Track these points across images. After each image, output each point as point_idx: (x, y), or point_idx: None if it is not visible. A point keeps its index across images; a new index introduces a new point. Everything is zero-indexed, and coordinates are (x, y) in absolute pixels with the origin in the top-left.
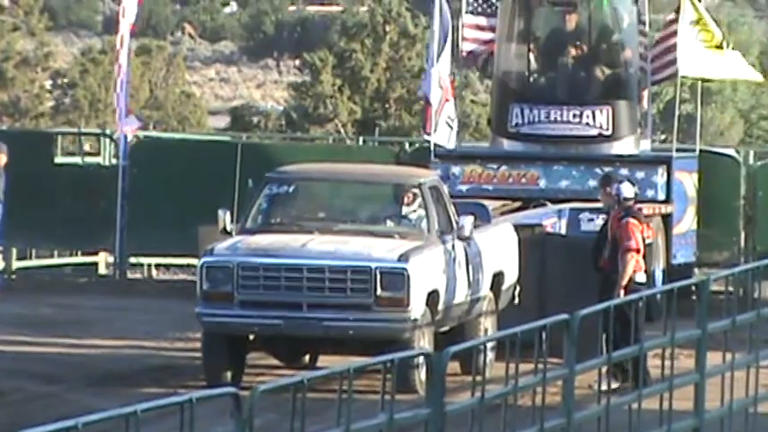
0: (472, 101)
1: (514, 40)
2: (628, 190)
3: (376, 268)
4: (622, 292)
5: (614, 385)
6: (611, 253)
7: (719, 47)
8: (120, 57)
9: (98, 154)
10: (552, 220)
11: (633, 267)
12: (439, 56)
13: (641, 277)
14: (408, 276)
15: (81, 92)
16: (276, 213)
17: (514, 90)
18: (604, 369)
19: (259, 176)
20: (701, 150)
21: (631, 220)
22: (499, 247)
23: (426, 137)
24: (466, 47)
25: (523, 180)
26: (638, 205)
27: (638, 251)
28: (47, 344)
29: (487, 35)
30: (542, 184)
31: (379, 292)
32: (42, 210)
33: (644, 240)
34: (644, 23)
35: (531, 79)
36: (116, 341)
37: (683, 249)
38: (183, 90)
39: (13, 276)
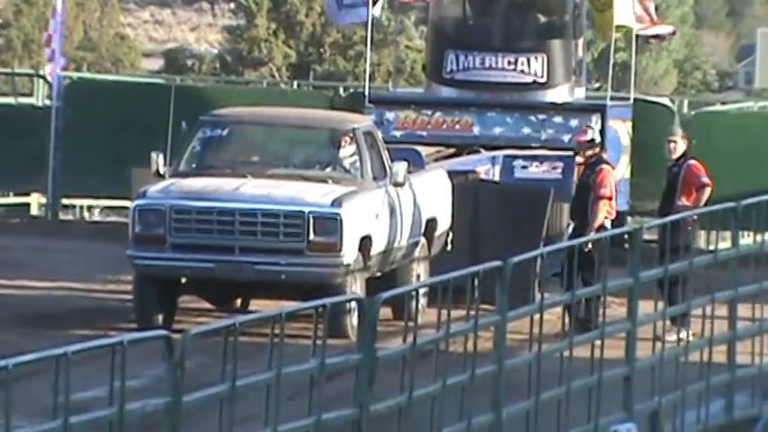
0: (407, 46)
1: None
2: (597, 135)
3: (309, 213)
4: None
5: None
6: (581, 198)
7: None
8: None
9: (31, 95)
10: (486, 167)
11: (604, 215)
12: None
13: (608, 224)
14: (341, 221)
15: (14, 32)
16: (209, 157)
17: (450, 36)
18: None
19: (193, 119)
20: (635, 99)
21: (605, 167)
22: (432, 194)
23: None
24: None
25: (457, 126)
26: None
27: (609, 198)
28: None
29: None
30: (476, 130)
31: (311, 236)
32: None
33: (616, 185)
34: None
35: (467, 25)
36: (47, 282)
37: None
38: (117, 32)
39: None
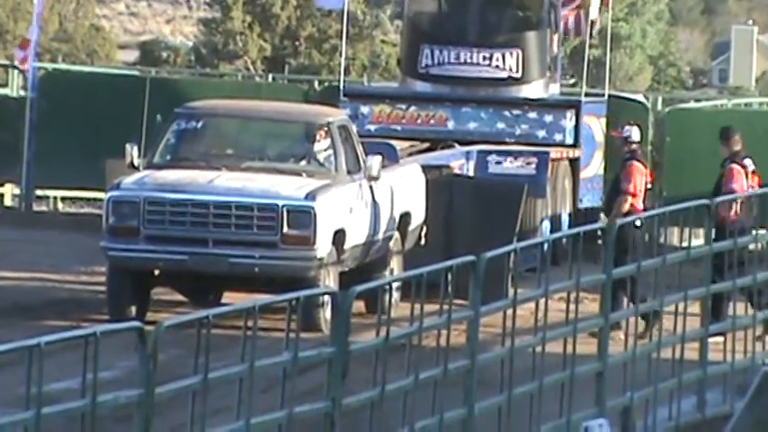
0: (382, 41)
1: None
2: (636, 134)
3: (283, 206)
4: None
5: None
6: (610, 192)
7: None
8: None
9: (6, 85)
10: (460, 162)
11: (626, 209)
12: None
13: (638, 221)
14: (315, 215)
15: None
16: (184, 149)
17: (425, 31)
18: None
19: (167, 112)
20: (609, 95)
21: (635, 163)
22: (407, 188)
23: None
24: None
25: (432, 121)
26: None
27: (634, 195)
28: None
29: None
30: (451, 125)
31: (285, 229)
32: None
33: (646, 185)
34: None
35: (442, 20)
36: (20, 273)
37: (590, 194)
38: (92, 23)
39: None
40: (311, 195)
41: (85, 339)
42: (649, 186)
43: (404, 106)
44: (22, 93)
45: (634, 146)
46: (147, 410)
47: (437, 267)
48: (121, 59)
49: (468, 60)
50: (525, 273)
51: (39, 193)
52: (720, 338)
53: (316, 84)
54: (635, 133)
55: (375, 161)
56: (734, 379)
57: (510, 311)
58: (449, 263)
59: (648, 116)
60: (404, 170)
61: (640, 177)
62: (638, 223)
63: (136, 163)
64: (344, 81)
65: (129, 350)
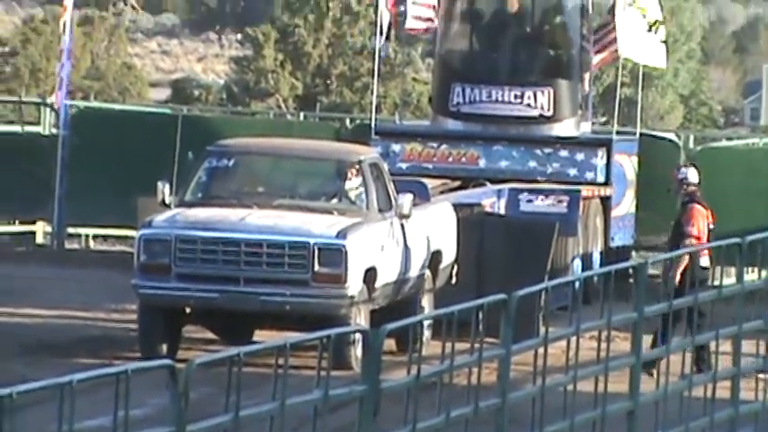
0: (414, 79)
1: (457, 19)
2: (693, 175)
3: (314, 244)
4: (678, 276)
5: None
6: (672, 237)
7: (652, 26)
8: (65, 27)
9: (38, 123)
10: (491, 200)
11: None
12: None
13: (705, 261)
14: (346, 253)
15: (22, 60)
16: (215, 187)
17: (456, 69)
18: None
19: (199, 149)
20: (641, 134)
21: (696, 206)
22: (438, 226)
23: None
24: (409, 24)
25: (463, 159)
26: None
27: (698, 238)
28: None
29: (429, 12)
30: (482, 163)
31: (316, 267)
32: None
33: (708, 226)
34: (587, 5)
35: (473, 58)
36: (52, 311)
37: (622, 232)
38: (124, 61)
39: None
40: (342, 233)
41: (117, 377)
42: (711, 227)
43: (435, 144)
44: (54, 130)
45: (692, 188)
46: None
47: (468, 306)
48: (153, 97)
49: (500, 99)
50: (556, 311)
51: (70, 230)
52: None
53: (347, 122)
54: (692, 174)
55: (406, 199)
56: (765, 418)
57: (541, 350)
58: (480, 301)
59: (680, 155)
60: (435, 208)
61: (702, 220)
62: (704, 264)
63: (167, 201)
64: (376, 119)
65: (160, 388)
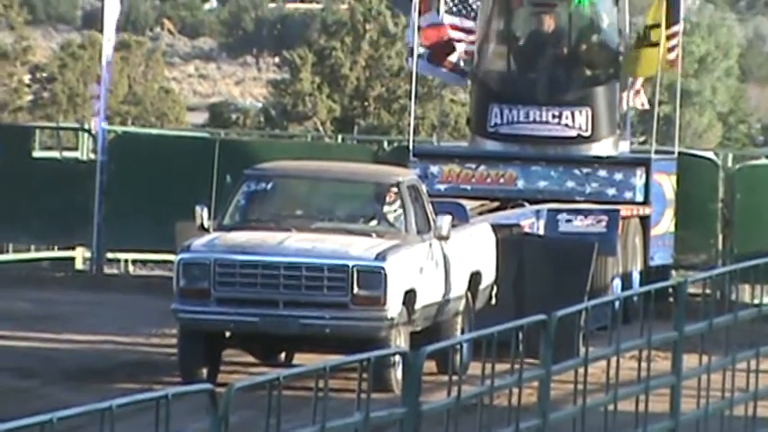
0: (452, 100)
1: (494, 40)
2: None
3: (353, 266)
4: None
5: None
6: None
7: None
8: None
9: (76, 149)
10: (530, 221)
11: None
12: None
13: None
14: (385, 275)
15: (59, 86)
16: (254, 210)
17: (494, 90)
18: None
19: (237, 173)
20: (679, 152)
21: None
22: (477, 247)
23: None
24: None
25: (502, 180)
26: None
27: None
28: (22, 338)
29: (463, 36)
30: (521, 184)
31: (356, 290)
32: (20, 204)
33: None
34: (624, 24)
35: (511, 79)
36: (91, 336)
37: (661, 251)
38: (161, 86)
39: None
40: (382, 256)
41: (157, 402)
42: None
43: (473, 165)
44: (92, 156)
45: None
46: None
47: (508, 327)
48: (191, 121)
49: (538, 119)
50: (596, 331)
51: (109, 255)
52: None
53: (385, 144)
54: None
55: (445, 221)
56: None
57: (581, 370)
58: (519, 322)
59: (719, 173)
60: (474, 229)
61: None
62: None
63: (206, 225)
64: (414, 141)
65: (200, 412)
